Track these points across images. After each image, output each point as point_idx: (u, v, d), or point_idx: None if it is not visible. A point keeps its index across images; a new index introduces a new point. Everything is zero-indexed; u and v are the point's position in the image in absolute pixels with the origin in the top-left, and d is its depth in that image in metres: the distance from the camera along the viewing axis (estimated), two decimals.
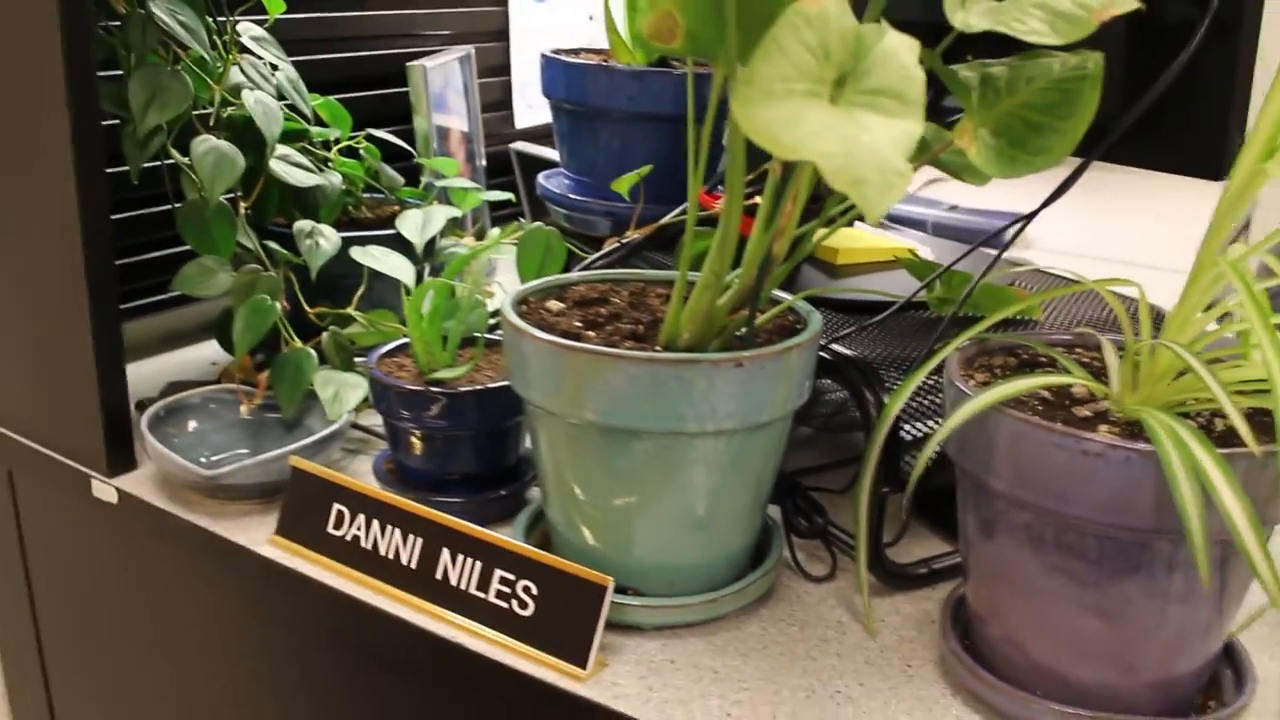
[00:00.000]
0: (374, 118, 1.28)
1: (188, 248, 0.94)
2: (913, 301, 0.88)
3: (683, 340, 0.70)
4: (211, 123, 0.96)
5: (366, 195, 1.14)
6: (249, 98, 0.96)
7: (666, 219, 0.91)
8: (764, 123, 0.48)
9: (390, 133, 1.15)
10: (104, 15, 0.91)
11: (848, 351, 0.78)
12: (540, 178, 1.10)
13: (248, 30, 0.99)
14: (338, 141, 1.10)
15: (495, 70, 1.50)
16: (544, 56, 1.04)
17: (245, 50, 1.02)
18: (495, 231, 0.84)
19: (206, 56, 0.93)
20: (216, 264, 0.93)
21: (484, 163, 1.43)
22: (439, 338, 0.83)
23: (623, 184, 0.89)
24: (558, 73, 1.02)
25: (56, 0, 0.79)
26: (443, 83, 1.32)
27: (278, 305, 0.91)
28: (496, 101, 1.51)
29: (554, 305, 0.76)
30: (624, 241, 0.91)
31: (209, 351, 1.18)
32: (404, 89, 1.35)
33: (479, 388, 0.80)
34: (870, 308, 0.88)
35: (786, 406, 0.70)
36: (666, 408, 0.65)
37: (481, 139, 1.42)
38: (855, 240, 0.98)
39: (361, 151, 1.12)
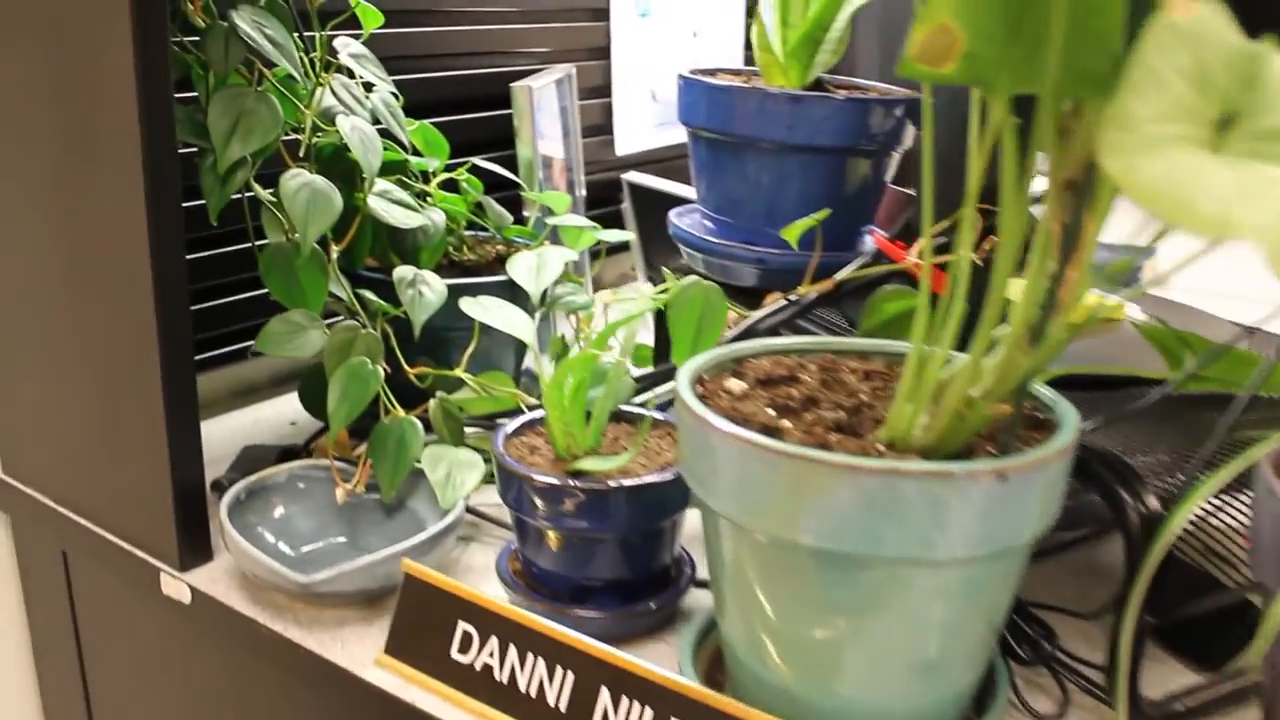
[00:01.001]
0: (468, 143, 1.15)
1: (263, 291, 0.80)
2: (1139, 377, 0.73)
3: (916, 439, 0.55)
4: (301, 153, 0.82)
5: (468, 233, 1.01)
6: (344, 124, 0.82)
7: (846, 273, 0.76)
8: (1158, 182, 0.34)
9: (488, 160, 1.01)
10: (178, 29, 0.78)
11: (1099, 445, 0.63)
12: (672, 216, 0.96)
13: (345, 46, 0.85)
14: (437, 173, 0.96)
15: (594, 92, 1.36)
16: (683, 78, 0.89)
17: (338, 69, 0.88)
18: (644, 287, 0.69)
19: (297, 76, 0.80)
20: (306, 320, 0.80)
21: (584, 193, 1.29)
22: (582, 417, 0.68)
23: (793, 232, 0.74)
24: (699, 96, 0.87)
25: (130, 12, 0.65)
26: (543, 105, 1.18)
27: (379, 370, 0.77)
28: (595, 125, 1.37)
29: (735, 385, 0.62)
30: (792, 299, 0.76)
31: (286, 408, 1.04)
32: (500, 111, 1.22)
33: (633, 483, 0.66)
34: (1095, 384, 0.73)
35: (1044, 523, 0.55)
36: (909, 532, 0.51)
37: (581, 167, 1.28)
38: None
39: (463, 184, 0.98)
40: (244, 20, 0.78)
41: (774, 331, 0.76)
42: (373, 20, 0.91)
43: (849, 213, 0.88)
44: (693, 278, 0.73)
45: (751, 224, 0.87)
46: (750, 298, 0.87)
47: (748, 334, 0.76)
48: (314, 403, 0.87)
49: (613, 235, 0.98)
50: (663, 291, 0.74)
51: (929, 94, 0.57)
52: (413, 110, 0.96)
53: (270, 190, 0.80)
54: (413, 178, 0.94)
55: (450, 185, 0.98)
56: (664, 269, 0.78)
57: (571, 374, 0.66)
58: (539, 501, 0.67)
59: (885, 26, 0.90)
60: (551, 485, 0.66)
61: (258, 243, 0.81)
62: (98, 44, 0.67)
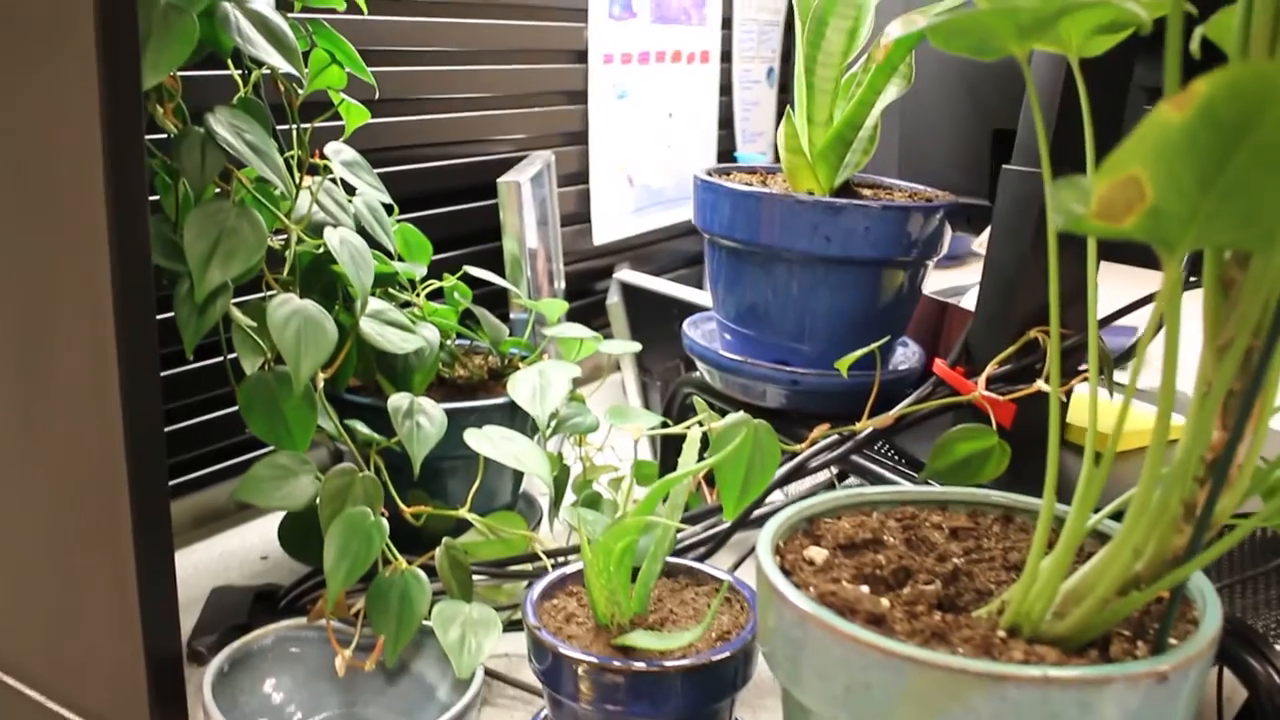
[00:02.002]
0: (447, 238, 1.07)
1: (228, 410, 0.71)
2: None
3: (1048, 626, 0.47)
4: (285, 270, 0.73)
5: (458, 342, 0.92)
6: (332, 238, 0.73)
7: (910, 404, 0.69)
8: None
9: (469, 253, 0.93)
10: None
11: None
12: (686, 327, 0.88)
13: (338, 153, 0.77)
14: (425, 283, 0.88)
15: (570, 179, 1.28)
16: (702, 181, 0.82)
17: (314, 170, 0.80)
18: (696, 431, 0.61)
19: (281, 187, 0.71)
20: (294, 463, 0.70)
21: (564, 284, 1.21)
22: (628, 582, 0.60)
23: (845, 363, 0.67)
24: (722, 201, 0.80)
25: (100, 117, 0.56)
26: (526, 198, 1.10)
27: (382, 522, 0.68)
28: (571, 214, 1.29)
29: (816, 555, 0.54)
30: (847, 433, 0.69)
31: (254, 538, 0.94)
32: (480, 203, 1.14)
33: (694, 662, 0.57)
34: None
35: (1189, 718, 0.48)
36: None
37: (561, 257, 1.20)
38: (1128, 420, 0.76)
39: (452, 292, 0.90)
40: (221, 125, 0.69)
41: (828, 469, 0.69)
42: (358, 118, 0.82)
43: (884, 326, 0.81)
44: (740, 415, 0.65)
45: (779, 339, 0.80)
46: (773, 419, 0.80)
47: (798, 472, 0.68)
48: (299, 548, 0.78)
49: (618, 347, 0.90)
50: (696, 424, 0.66)
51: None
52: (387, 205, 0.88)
53: (239, 304, 0.71)
54: (400, 288, 0.85)
55: (437, 292, 0.90)
56: (697, 398, 0.71)
57: (621, 539, 0.57)
58: (584, 686, 0.58)
59: (905, 119, 0.84)
60: (599, 667, 0.57)
61: (235, 373, 0.72)
62: (67, 152, 0.58)
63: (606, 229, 1.34)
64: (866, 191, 0.85)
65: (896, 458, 0.73)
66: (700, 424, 0.69)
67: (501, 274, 1.00)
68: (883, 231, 0.76)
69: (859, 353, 0.67)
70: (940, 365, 0.69)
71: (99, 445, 0.61)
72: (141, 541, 0.62)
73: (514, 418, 0.84)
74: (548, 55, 1.22)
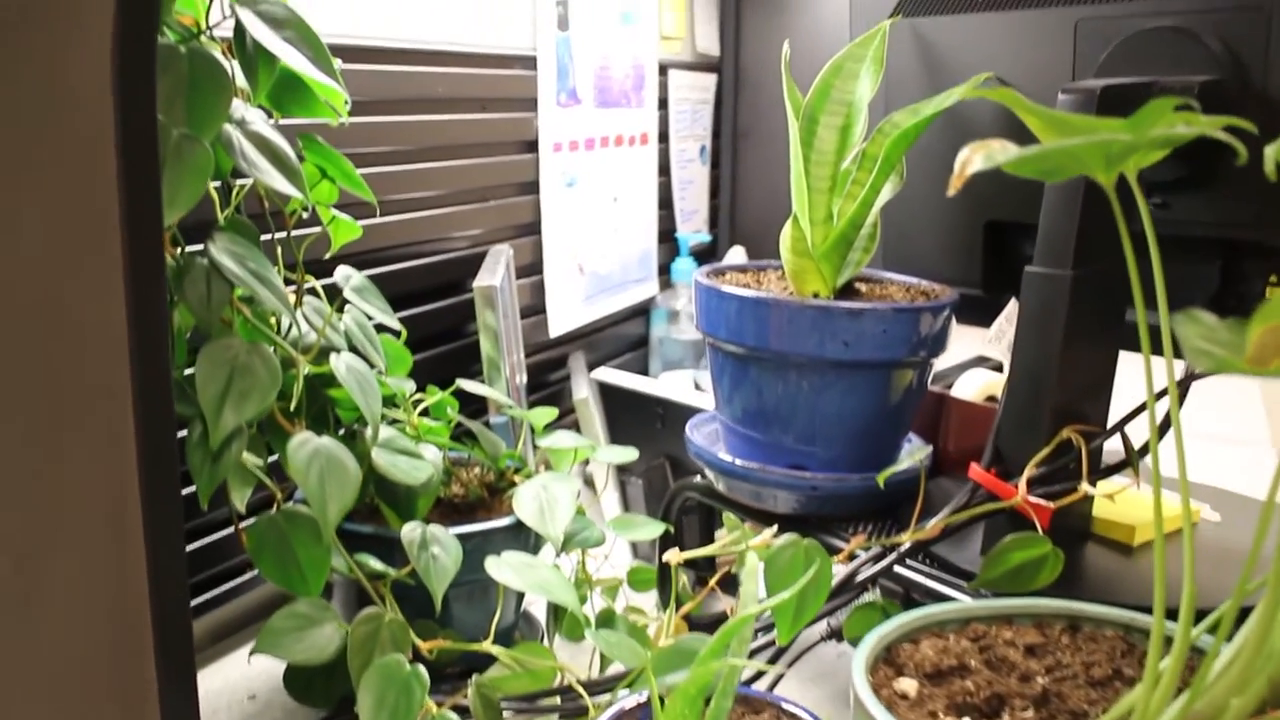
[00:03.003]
0: (418, 340, 1.03)
1: (221, 534, 0.67)
2: None
3: None
4: (292, 406, 0.69)
5: (450, 456, 0.89)
6: (339, 365, 0.70)
7: (952, 512, 0.68)
8: None
9: (434, 356, 0.90)
10: None
11: None
12: (690, 430, 0.86)
13: (348, 280, 0.74)
14: (417, 399, 0.84)
15: (523, 270, 1.26)
16: (704, 287, 0.80)
17: (312, 291, 0.76)
18: (753, 561, 0.59)
19: (289, 316, 0.67)
20: (314, 610, 0.66)
21: (525, 378, 1.18)
22: None
23: (884, 475, 0.66)
24: (727, 307, 0.79)
25: (122, 256, 0.53)
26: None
27: (420, 671, 0.64)
28: (526, 306, 1.27)
29: (907, 686, 0.53)
30: (890, 546, 0.68)
31: (239, 677, 0.89)
32: (440, 304, 1.11)
33: None
34: None
35: None
36: None
37: (521, 350, 1.17)
38: (1146, 509, 0.76)
39: (443, 406, 0.86)
40: (223, 253, 0.65)
41: (872, 582, 0.68)
42: (347, 233, 0.79)
43: (895, 424, 0.81)
44: (790, 536, 0.63)
45: (791, 443, 0.79)
46: (786, 524, 0.79)
47: (845, 586, 0.67)
48: (303, 691, 0.74)
49: (615, 455, 0.88)
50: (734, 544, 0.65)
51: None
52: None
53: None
54: (394, 408, 0.82)
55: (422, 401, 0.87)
56: (728, 514, 0.69)
57: (698, 683, 0.55)
58: None
59: (892, 211, 0.84)
60: None
61: (242, 518, 0.68)
62: (82, 296, 0.54)
63: (561, 320, 1.31)
64: (862, 287, 0.85)
65: (929, 561, 0.72)
66: (742, 544, 0.67)
67: (472, 374, 0.97)
68: (898, 333, 0.76)
69: (899, 466, 0.66)
70: (977, 470, 0.69)
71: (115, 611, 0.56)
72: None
73: (519, 535, 0.81)
74: (499, 148, 1.20)
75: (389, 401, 0.81)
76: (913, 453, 0.84)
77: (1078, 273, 0.67)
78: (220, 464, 0.63)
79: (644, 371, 1.58)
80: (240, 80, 0.67)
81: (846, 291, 0.82)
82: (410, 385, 0.85)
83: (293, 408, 0.69)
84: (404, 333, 0.80)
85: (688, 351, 1.54)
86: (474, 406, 1.03)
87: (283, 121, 0.74)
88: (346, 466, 0.65)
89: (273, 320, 0.71)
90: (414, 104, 1.07)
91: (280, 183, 0.65)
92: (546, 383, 1.33)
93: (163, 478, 0.56)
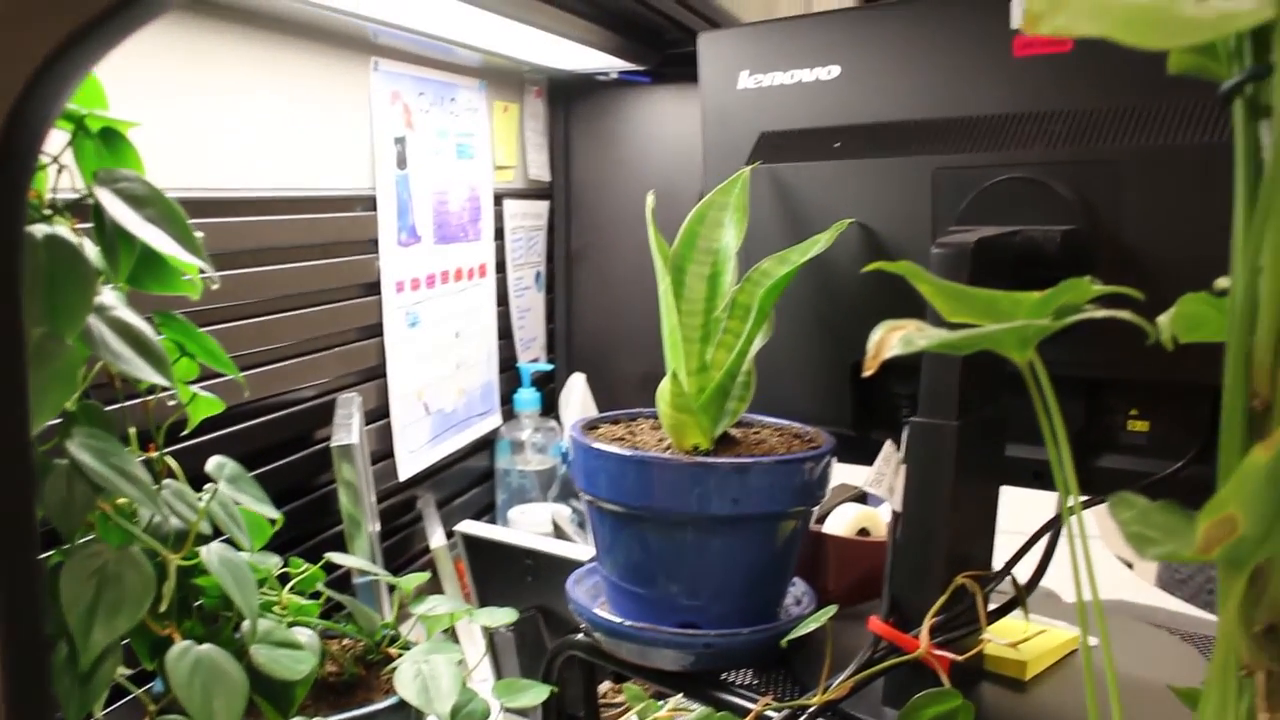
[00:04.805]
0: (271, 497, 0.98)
1: None
2: None
3: None
4: (163, 608, 0.64)
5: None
6: (210, 557, 0.65)
7: (856, 669, 0.68)
8: None
9: (295, 507, 0.85)
10: None
11: None
12: (570, 586, 0.84)
13: (221, 469, 0.69)
14: (282, 573, 0.80)
15: (370, 415, 1.22)
16: (583, 446, 0.79)
17: (170, 473, 0.71)
18: None
19: (157, 512, 0.63)
20: None
21: (378, 526, 1.13)
22: None
23: (788, 641, 0.65)
24: (606, 465, 0.77)
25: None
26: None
27: None
28: (374, 450, 1.22)
29: None
30: (798, 707, 0.67)
31: None
32: (289, 459, 1.06)
33: None
34: None
35: None
36: None
37: (374, 495, 1.13)
38: (1036, 641, 0.78)
39: (311, 580, 0.82)
40: (84, 450, 0.60)
41: None
42: (207, 409, 0.75)
43: (781, 571, 0.80)
44: (704, 710, 0.62)
45: (678, 599, 0.77)
46: (672, 682, 0.77)
47: None
48: None
49: (494, 618, 0.85)
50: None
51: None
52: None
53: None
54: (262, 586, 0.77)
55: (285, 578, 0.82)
56: (629, 685, 0.67)
57: None
58: None
59: (762, 356, 0.85)
60: None
61: None
62: None
63: (409, 462, 1.27)
64: (737, 433, 0.85)
65: (833, 718, 0.71)
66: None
67: (328, 527, 0.93)
68: (784, 484, 0.76)
69: (804, 629, 0.66)
70: (877, 623, 0.69)
71: None
72: None
73: (403, 713, 0.77)
74: (342, 292, 1.17)
75: (259, 583, 0.76)
76: (799, 598, 0.84)
77: (963, 421, 0.69)
78: (91, 686, 0.57)
79: (490, 505, 1.54)
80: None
81: (723, 441, 0.82)
82: (275, 559, 0.81)
83: (163, 609, 0.64)
84: (280, 519, 0.75)
85: (534, 482, 1.52)
86: (340, 570, 0.98)
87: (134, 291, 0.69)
88: (231, 675, 0.60)
89: (136, 516, 0.66)
90: (256, 254, 1.03)
91: (146, 372, 0.61)
92: (398, 527, 1.28)
93: (34, 710, 0.51)
